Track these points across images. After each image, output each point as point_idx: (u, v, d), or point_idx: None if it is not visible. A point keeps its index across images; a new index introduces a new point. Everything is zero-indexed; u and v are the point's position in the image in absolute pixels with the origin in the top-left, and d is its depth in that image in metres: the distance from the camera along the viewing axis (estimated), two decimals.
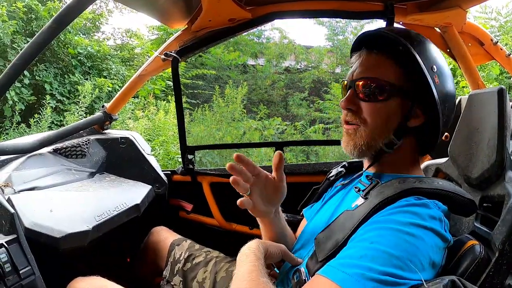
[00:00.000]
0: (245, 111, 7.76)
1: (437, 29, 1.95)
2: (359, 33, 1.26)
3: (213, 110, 7.36)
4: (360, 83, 1.13)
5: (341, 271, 0.85)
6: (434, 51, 1.15)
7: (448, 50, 1.95)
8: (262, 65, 11.75)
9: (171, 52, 2.01)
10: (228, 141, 6.40)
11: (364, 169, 1.27)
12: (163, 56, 2.03)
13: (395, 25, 1.89)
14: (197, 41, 2.01)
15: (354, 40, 1.27)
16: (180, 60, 2.05)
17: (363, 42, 1.22)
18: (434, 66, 1.09)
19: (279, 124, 8.56)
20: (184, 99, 7.21)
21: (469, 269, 0.93)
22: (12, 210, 1.30)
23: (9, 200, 1.40)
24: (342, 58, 11.74)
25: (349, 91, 1.16)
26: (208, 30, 1.98)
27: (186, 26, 2.03)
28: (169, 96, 8.19)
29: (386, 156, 1.16)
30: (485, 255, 0.94)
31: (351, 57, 1.29)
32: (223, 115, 7.02)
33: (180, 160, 5.35)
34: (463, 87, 6.06)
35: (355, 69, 1.17)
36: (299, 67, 12.26)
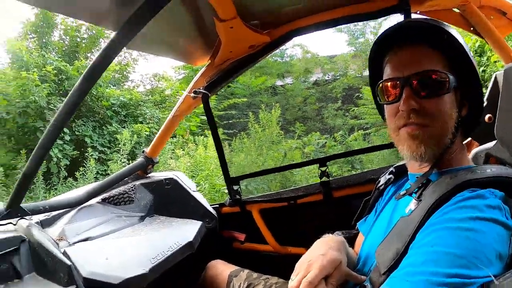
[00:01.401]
0: (282, 132, 7.76)
1: (456, 10, 1.89)
2: (384, 29, 1.18)
3: (250, 137, 7.41)
4: (418, 78, 1.04)
5: (405, 280, 0.82)
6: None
7: (471, 28, 1.88)
8: (290, 84, 11.83)
9: (200, 89, 2.04)
10: (270, 165, 6.39)
11: (411, 171, 1.22)
12: (192, 94, 2.06)
13: (412, 16, 1.86)
14: (223, 74, 2.03)
15: (380, 36, 1.19)
16: (209, 95, 2.07)
17: (394, 38, 1.15)
18: (470, 51, 1.06)
19: (318, 139, 8.53)
20: (221, 131, 7.29)
21: None
22: (68, 263, 1.32)
23: (65, 253, 1.43)
24: (367, 60, 11.64)
25: (404, 90, 1.06)
26: (231, 60, 2.00)
27: (209, 61, 2.06)
28: (206, 130, 8.30)
29: (445, 153, 1.08)
30: None
31: (373, 57, 1.25)
32: (261, 140, 7.04)
33: (226, 191, 5.40)
34: (495, 61, 5.86)
35: (402, 64, 1.09)
36: (327, 78, 12.26)
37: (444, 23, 1.10)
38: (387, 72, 1.14)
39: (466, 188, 0.93)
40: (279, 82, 12.27)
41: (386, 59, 1.17)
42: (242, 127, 9.14)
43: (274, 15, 1.85)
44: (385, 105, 1.17)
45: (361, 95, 9.55)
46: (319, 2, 1.82)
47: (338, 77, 11.73)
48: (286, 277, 1.75)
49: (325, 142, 8.45)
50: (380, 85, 1.15)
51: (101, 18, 1.46)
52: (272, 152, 6.88)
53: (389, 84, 1.12)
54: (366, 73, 11.04)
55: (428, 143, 1.04)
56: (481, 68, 6.37)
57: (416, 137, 1.05)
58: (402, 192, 1.15)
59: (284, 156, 6.93)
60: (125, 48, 1.44)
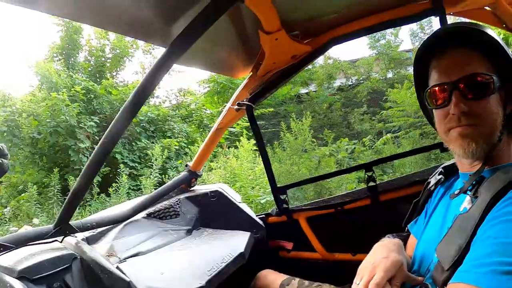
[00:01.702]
0: (314, 140, 7.74)
1: (487, 8, 1.88)
2: (426, 38, 1.23)
3: (283, 147, 7.48)
4: (465, 82, 1.08)
5: (473, 272, 0.84)
6: None
7: (504, 25, 1.88)
8: (315, 91, 11.80)
9: (243, 101, 2.07)
10: (304, 173, 6.38)
11: (462, 170, 1.24)
12: (236, 107, 2.09)
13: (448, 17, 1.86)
14: (266, 85, 2.05)
15: (423, 44, 1.24)
16: (253, 106, 2.09)
17: (437, 44, 1.19)
18: (510, 50, 1.09)
19: (347, 145, 8.47)
20: (252, 142, 7.31)
21: None
22: (127, 279, 1.35)
23: (118, 269, 1.45)
24: (390, 62, 11.59)
25: (453, 94, 1.09)
26: (274, 71, 2.02)
27: (251, 73, 2.09)
28: (236, 142, 8.32)
29: (494, 150, 1.11)
30: None
31: (416, 65, 1.29)
32: (293, 149, 7.04)
33: (259, 201, 5.41)
34: None
35: (448, 70, 1.13)
36: (351, 83, 12.20)
37: (481, 24, 1.15)
38: (434, 78, 1.17)
39: None
40: (303, 90, 12.26)
41: (431, 65, 1.21)
42: (270, 137, 9.14)
43: (314, 24, 1.87)
44: (434, 109, 1.21)
45: (386, 97, 9.48)
46: (356, 10, 1.84)
47: (362, 81, 11.67)
48: (336, 283, 1.75)
49: (354, 148, 8.39)
50: (429, 90, 1.18)
51: (151, 35, 1.51)
52: (304, 160, 6.86)
53: (437, 89, 1.15)
54: (390, 75, 10.94)
55: (478, 141, 1.07)
56: None
57: (467, 135, 1.08)
58: (456, 191, 1.15)
59: (318, 163, 6.91)
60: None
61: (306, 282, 1.85)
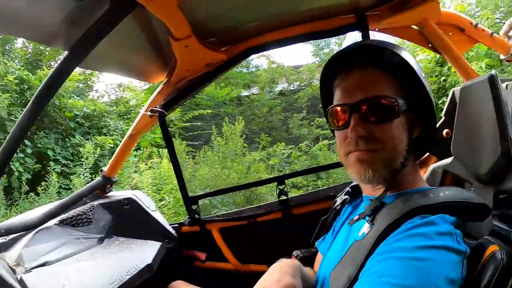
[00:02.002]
0: (246, 144, 7.74)
1: (414, 27, 1.92)
2: (336, 52, 1.18)
3: (214, 150, 7.40)
4: (367, 104, 1.03)
5: None
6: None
7: (430, 45, 1.92)
8: (256, 94, 11.86)
9: (156, 107, 2.02)
10: (234, 178, 6.36)
11: (365, 193, 1.22)
12: (149, 113, 2.03)
13: (371, 33, 1.88)
14: (179, 93, 2.02)
15: (330, 59, 1.18)
16: (166, 114, 2.05)
17: (345, 60, 1.14)
18: (423, 73, 1.07)
19: (283, 149, 8.56)
20: (184, 143, 7.23)
21: (493, 279, 0.88)
22: None
23: (21, 281, 1.40)
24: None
25: (352, 116, 1.05)
26: (188, 79, 1.99)
27: (166, 79, 2.04)
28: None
29: (397, 176, 1.08)
30: (508, 261, 0.89)
31: (324, 80, 1.25)
32: (224, 153, 7.02)
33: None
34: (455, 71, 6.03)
35: (351, 90, 1.08)
36: (293, 88, 12.36)
37: (396, 45, 1.11)
38: (337, 97, 1.14)
39: (417, 214, 0.93)
40: (244, 93, 12.30)
41: (336, 82, 1.16)
42: (206, 139, 9.11)
43: (231, 33, 1.85)
44: (335, 131, 1.17)
45: None
46: (277, 20, 1.83)
47: (304, 87, 11.84)
48: None
49: (291, 152, 8.50)
50: (330, 110, 1.14)
51: (52, 38, 1.42)
52: (236, 165, 6.86)
53: (338, 109, 1.11)
54: None
55: (376, 167, 1.04)
56: (442, 78, 6.52)
57: (363, 161, 1.05)
58: (355, 217, 1.13)
59: (248, 169, 6.93)
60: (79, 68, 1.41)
61: None
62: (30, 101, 1.32)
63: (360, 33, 1.87)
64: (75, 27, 1.32)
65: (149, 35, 1.69)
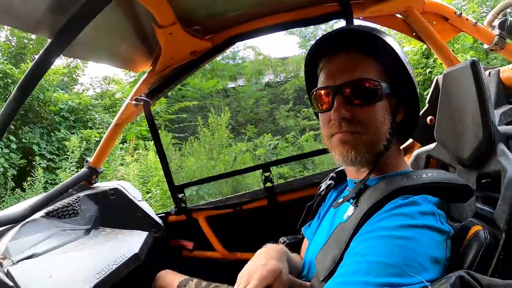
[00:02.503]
0: (232, 135, 7.74)
1: (399, 15, 1.93)
2: (321, 36, 1.17)
3: (200, 141, 7.39)
4: (350, 87, 1.04)
5: None
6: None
7: (414, 34, 1.93)
8: (242, 86, 11.81)
9: (141, 96, 2.01)
10: (220, 168, 6.39)
11: (349, 177, 1.24)
12: (134, 102, 2.02)
13: (356, 21, 1.88)
14: (164, 81, 2.01)
15: (315, 44, 1.19)
16: (151, 102, 2.04)
17: (329, 45, 1.14)
18: (407, 58, 1.07)
19: (270, 140, 8.57)
20: (171, 135, 7.20)
21: (477, 258, 0.90)
22: (10, 283, 1.29)
23: (8, 273, 1.40)
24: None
25: (335, 99, 1.06)
26: (173, 67, 1.98)
27: (151, 67, 2.03)
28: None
29: (381, 159, 1.09)
30: (491, 239, 0.91)
31: (308, 64, 1.25)
32: (211, 144, 7.01)
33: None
34: (441, 63, 6.06)
35: (335, 73, 1.09)
36: (279, 80, 12.32)
37: (380, 30, 1.12)
38: (321, 80, 1.14)
39: (400, 195, 0.94)
40: (230, 84, 12.25)
41: (320, 66, 1.17)
42: (193, 131, 9.07)
43: (216, 21, 1.85)
44: (319, 114, 1.17)
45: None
46: (261, 8, 1.83)
47: (290, 79, 11.81)
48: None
49: (277, 144, 8.51)
50: (314, 93, 1.15)
51: (36, 25, 1.41)
52: (222, 156, 6.87)
53: (322, 92, 1.12)
54: None
55: (358, 149, 1.05)
56: (428, 70, 6.58)
57: (346, 142, 1.06)
58: (340, 200, 1.15)
59: (235, 159, 6.93)
60: (62, 55, 1.39)
61: (204, 283, 1.83)
62: (14, 90, 1.31)
63: (345, 22, 1.88)
64: (59, 14, 1.30)
65: (134, 23, 1.68)
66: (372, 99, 1.04)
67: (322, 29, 11.82)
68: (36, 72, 1.30)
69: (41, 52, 1.27)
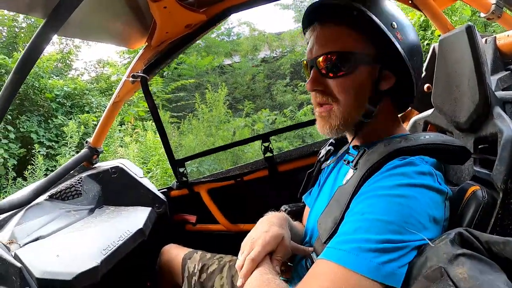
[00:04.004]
0: (230, 111, 7.74)
1: None
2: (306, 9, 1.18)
3: (198, 118, 7.38)
4: (321, 59, 1.07)
5: (337, 249, 0.84)
6: (389, 5, 1.10)
7: (410, 2, 1.91)
8: (238, 62, 11.75)
9: (138, 72, 2.00)
10: (220, 144, 6.37)
11: (349, 142, 1.25)
12: (131, 79, 2.02)
13: None
14: (160, 56, 2.00)
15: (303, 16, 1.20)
16: (148, 78, 2.04)
17: (314, 16, 1.16)
18: (394, 23, 1.05)
19: (268, 116, 8.57)
20: (168, 114, 7.18)
21: (476, 216, 0.91)
22: (19, 265, 1.30)
23: (16, 256, 1.41)
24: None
25: (311, 71, 1.11)
26: (168, 41, 1.97)
27: (146, 43, 2.02)
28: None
29: (366, 126, 1.12)
30: (489, 199, 0.92)
31: (304, 35, 1.24)
32: (209, 120, 7.01)
33: None
34: (439, 35, 6.04)
35: (312, 46, 1.12)
36: (275, 55, 12.24)
37: None
38: (306, 52, 1.18)
39: (397, 156, 0.96)
40: (226, 61, 12.18)
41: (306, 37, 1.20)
42: (191, 109, 9.05)
43: None
44: None
45: None
46: None
47: (286, 54, 11.73)
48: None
49: (275, 119, 8.52)
50: (302, 64, 1.21)
51: (29, 6, 1.39)
52: (221, 132, 6.88)
53: (304, 63, 1.18)
54: None
55: (333, 123, 1.10)
56: (426, 42, 6.53)
57: (322, 117, 1.13)
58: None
59: (233, 134, 6.95)
60: (58, 36, 1.39)
61: (208, 255, 1.86)
62: (10, 74, 1.30)
63: None
64: None
65: None
66: (342, 71, 1.06)
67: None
68: (32, 54, 1.28)
69: (35, 33, 1.27)
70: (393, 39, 1.02)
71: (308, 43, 1.17)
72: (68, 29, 1.58)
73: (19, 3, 1.39)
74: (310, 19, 1.18)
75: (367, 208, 0.87)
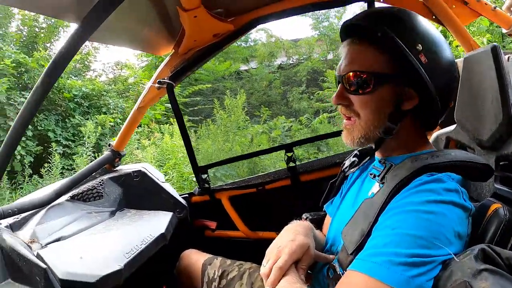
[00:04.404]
0: (248, 117, 7.75)
1: None
2: (343, 18, 1.24)
3: (216, 123, 7.38)
4: (347, 76, 1.12)
5: (369, 261, 0.86)
6: (419, 25, 1.10)
7: (433, 17, 1.92)
8: (255, 68, 11.79)
9: (164, 79, 2.03)
10: (237, 150, 6.43)
11: (376, 155, 1.27)
12: (157, 85, 2.04)
13: (377, 4, 1.88)
14: (187, 63, 2.02)
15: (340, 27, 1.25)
16: (174, 85, 2.06)
17: (347, 31, 1.22)
18: (419, 44, 1.05)
19: (284, 123, 8.58)
20: (185, 118, 7.21)
21: (497, 233, 0.92)
22: (44, 266, 1.30)
23: (38, 256, 1.41)
24: (332, 44, 11.75)
25: (339, 85, 1.17)
26: (195, 49, 2.00)
27: (173, 50, 2.05)
28: (171, 118, 8.21)
29: (388, 141, 1.17)
30: (510, 217, 0.93)
31: None
32: (227, 126, 7.03)
33: (194, 179, 5.38)
34: (457, 46, 5.99)
35: (342, 62, 1.17)
36: (292, 62, 12.27)
37: (401, 13, 1.13)
38: None
39: (425, 172, 0.98)
40: (243, 67, 12.23)
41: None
42: (208, 113, 9.09)
43: (238, 3, 1.86)
44: None
45: (325, 78, 9.66)
46: None
47: (303, 61, 11.77)
48: (259, 262, 1.78)
49: (291, 126, 8.52)
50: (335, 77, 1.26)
51: (62, 11, 1.43)
52: (238, 137, 6.90)
53: (335, 77, 1.25)
54: (330, 56, 11.09)
55: (354, 135, 1.16)
56: None
57: (347, 129, 1.19)
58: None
59: (251, 141, 6.97)
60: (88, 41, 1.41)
61: (229, 261, 1.86)
62: (41, 76, 1.32)
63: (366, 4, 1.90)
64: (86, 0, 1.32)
65: (157, 7, 1.70)
66: (365, 89, 1.10)
67: (335, 11, 11.73)
68: (63, 57, 1.31)
69: (68, 37, 1.29)
70: (414, 62, 1.03)
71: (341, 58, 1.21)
72: (97, 34, 1.61)
73: (55, 8, 1.42)
74: (345, 33, 1.23)
75: (397, 223, 0.89)
